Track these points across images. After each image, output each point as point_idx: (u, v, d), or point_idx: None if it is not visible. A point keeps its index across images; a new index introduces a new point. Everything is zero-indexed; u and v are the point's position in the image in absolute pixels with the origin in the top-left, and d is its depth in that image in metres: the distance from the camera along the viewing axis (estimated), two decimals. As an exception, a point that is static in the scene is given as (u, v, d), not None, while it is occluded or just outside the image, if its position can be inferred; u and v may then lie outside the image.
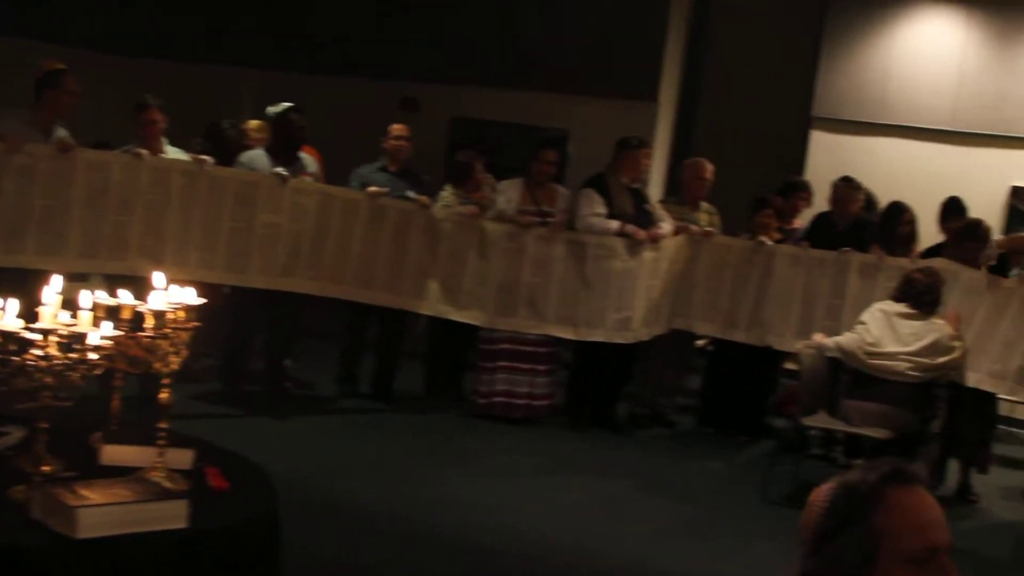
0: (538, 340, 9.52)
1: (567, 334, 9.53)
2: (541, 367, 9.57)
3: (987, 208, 11.15)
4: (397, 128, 9.92)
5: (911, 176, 12.33)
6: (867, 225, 9.91)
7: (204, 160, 8.80)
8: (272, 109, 9.52)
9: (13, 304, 3.74)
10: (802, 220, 10.75)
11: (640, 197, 9.72)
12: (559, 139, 13.00)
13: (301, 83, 13.92)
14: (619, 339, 9.53)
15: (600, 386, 9.83)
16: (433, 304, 9.41)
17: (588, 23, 13.88)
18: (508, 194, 9.64)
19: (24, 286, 4.20)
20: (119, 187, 8.42)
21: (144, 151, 8.57)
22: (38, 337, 3.68)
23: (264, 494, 4.25)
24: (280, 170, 8.97)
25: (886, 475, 2.36)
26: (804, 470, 8.26)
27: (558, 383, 9.86)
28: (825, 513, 2.39)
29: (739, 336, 9.78)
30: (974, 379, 8.75)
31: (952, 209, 9.75)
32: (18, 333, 3.68)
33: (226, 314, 9.45)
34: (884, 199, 10.13)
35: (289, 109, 9.40)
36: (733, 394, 10.08)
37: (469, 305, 9.39)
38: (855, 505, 2.35)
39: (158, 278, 4.22)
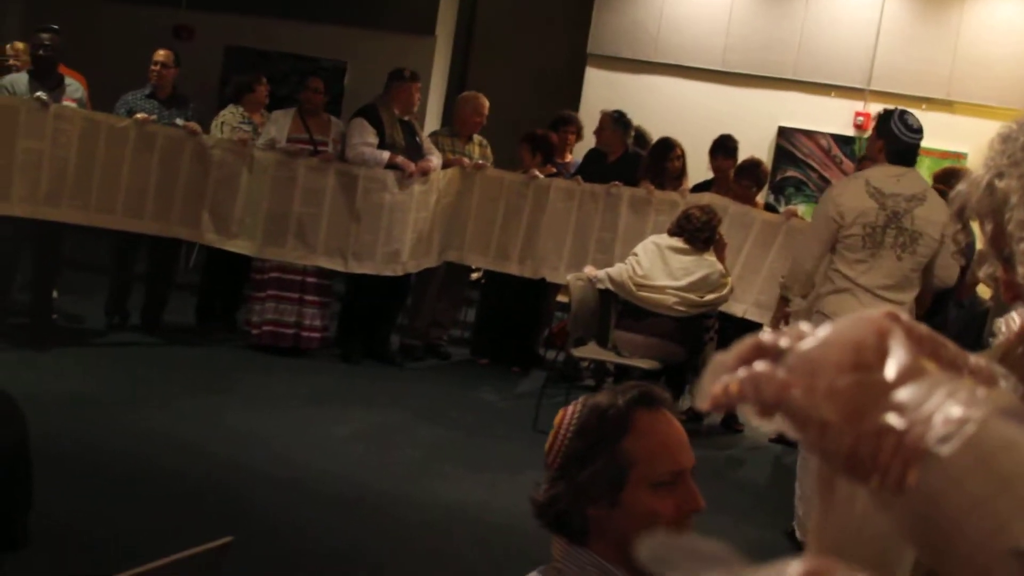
0: (308, 270, 9.44)
1: (336, 266, 9.46)
2: (310, 297, 9.50)
3: (756, 147, 11.38)
4: (161, 54, 9.66)
5: (683, 114, 12.53)
6: (636, 160, 10.05)
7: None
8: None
9: None
10: (575, 155, 10.86)
11: (411, 130, 9.69)
12: (332, 69, 12.91)
13: (70, 5, 13.51)
14: (388, 271, 9.52)
15: (372, 318, 9.81)
16: (203, 233, 9.26)
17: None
18: (280, 123, 9.52)
19: None
20: None
21: None
22: None
23: (13, 424, 4.10)
24: (41, 95, 8.70)
25: (634, 399, 2.38)
26: (574, 400, 8.36)
27: (332, 316, 9.81)
28: (574, 436, 2.40)
29: (512, 268, 9.85)
30: (741, 310, 8.99)
31: (721, 147, 9.94)
32: None
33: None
34: (657, 136, 10.28)
35: (50, 30, 9.10)
36: (506, 326, 10.17)
37: (239, 234, 9.26)
38: (605, 429, 2.36)
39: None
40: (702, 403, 1.02)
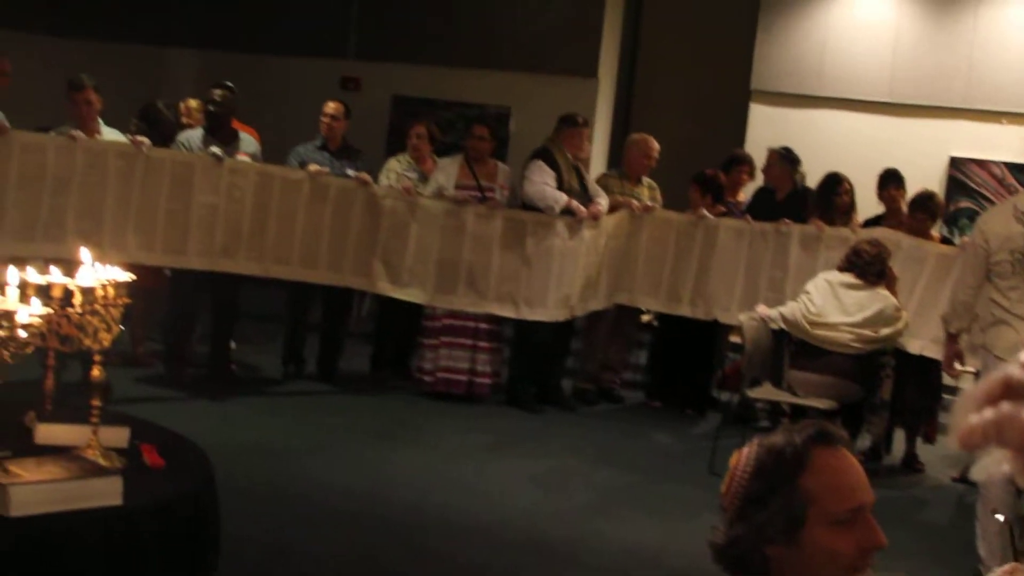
0: (479, 316, 9.48)
1: (508, 312, 9.49)
2: (483, 343, 9.53)
3: (926, 178, 11.18)
4: (331, 107, 9.82)
5: (850, 148, 12.34)
6: (805, 196, 9.94)
7: (141, 142, 8.72)
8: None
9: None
10: (746, 194, 10.78)
11: (578, 173, 9.69)
12: (497, 115, 13.01)
13: (241, 62, 13.83)
14: (559, 316, 9.52)
15: (542, 363, 9.81)
16: (375, 282, 9.35)
17: (527, 0, 13.84)
18: (447, 171, 9.59)
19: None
20: (54, 169, 8.33)
21: (79, 133, 8.49)
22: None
23: (200, 470, 4.21)
24: (216, 150, 8.90)
25: (811, 437, 2.36)
26: (750, 442, 8.26)
27: (503, 361, 9.84)
28: (751, 477, 2.39)
29: (683, 310, 9.78)
30: (918, 346, 8.80)
31: (890, 179, 9.77)
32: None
33: (167, 297, 9.39)
34: (823, 171, 10.14)
35: (222, 87, 9.32)
36: (679, 368, 10.11)
37: (410, 283, 9.33)
38: (782, 468, 2.35)
39: (85, 255, 4.16)
40: (951, 443, 0.99)
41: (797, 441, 2.36)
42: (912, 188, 9.56)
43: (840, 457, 2.36)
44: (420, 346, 9.73)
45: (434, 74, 14.21)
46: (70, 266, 4.19)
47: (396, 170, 9.86)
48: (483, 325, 9.52)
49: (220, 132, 9.20)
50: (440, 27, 14.16)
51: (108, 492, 3.64)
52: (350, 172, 9.38)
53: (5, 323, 3.69)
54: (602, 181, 10.16)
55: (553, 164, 9.44)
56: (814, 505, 2.29)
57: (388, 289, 9.37)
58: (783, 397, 8.47)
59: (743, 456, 2.44)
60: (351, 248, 9.21)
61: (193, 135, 9.26)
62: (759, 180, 10.79)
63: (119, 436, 4.22)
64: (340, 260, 9.21)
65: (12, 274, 3.81)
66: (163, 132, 9.60)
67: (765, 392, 8.51)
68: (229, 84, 9.37)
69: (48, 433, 4.20)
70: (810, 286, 8.53)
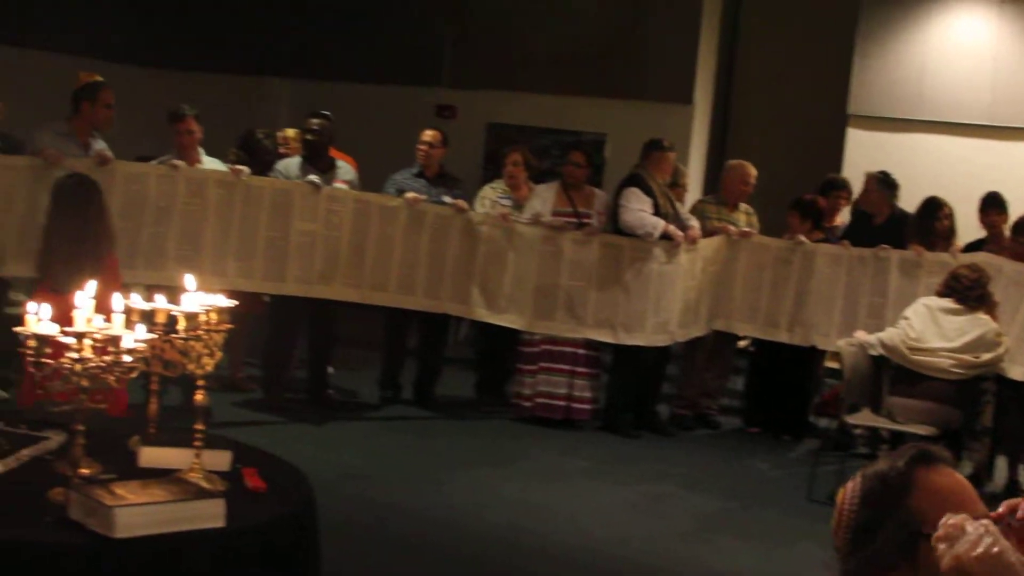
0: (577, 342, 9.47)
1: (606, 337, 9.48)
2: (580, 369, 9.53)
3: (1028, 202, 11.04)
4: (428, 135, 9.89)
5: (949, 171, 12.22)
6: (904, 221, 9.85)
7: (240, 170, 8.83)
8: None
9: (47, 309, 3.76)
10: (843, 218, 10.71)
11: (670, 198, 9.67)
12: (592, 141, 13.03)
13: (337, 91, 14.00)
14: (658, 342, 9.51)
15: (639, 388, 9.78)
16: (473, 308, 9.39)
17: (621, 26, 13.87)
18: (544, 197, 9.62)
19: (64, 295, 4.22)
20: (156, 198, 8.46)
21: (180, 162, 8.63)
22: (73, 341, 3.69)
23: (301, 493, 4.25)
24: (313, 178, 8.99)
25: (913, 458, 2.37)
26: (849, 469, 8.17)
27: (600, 386, 9.82)
28: (860, 507, 2.39)
29: (782, 336, 9.72)
30: (1019, 372, 8.65)
31: (992, 203, 9.66)
32: (54, 337, 3.70)
33: (266, 323, 9.49)
34: (922, 195, 10.04)
35: (320, 115, 9.42)
36: (776, 394, 10.03)
37: (508, 309, 9.36)
38: (890, 493, 2.34)
39: (189, 281, 4.23)
40: None
41: (900, 464, 2.36)
42: (1015, 212, 9.43)
43: (946, 474, 2.36)
44: (518, 371, 9.74)
45: (529, 101, 14.28)
46: (174, 293, 4.27)
47: (491, 197, 9.91)
48: (581, 351, 9.51)
49: (318, 160, 9.30)
50: (535, 54, 14.21)
51: (211, 514, 3.69)
52: (447, 199, 9.43)
53: (111, 348, 3.76)
54: (699, 207, 10.16)
55: (647, 190, 9.43)
56: (927, 523, 2.27)
57: (486, 315, 9.41)
58: (882, 423, 8.38)
59: (848, 490, 2.43)
60: (448, 274, 9.25)
61: (291, 163, 9.36)
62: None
63: (221, 459, 4.27)
64: (437, 286, 9.26)
65: (117, 300, 3.87)
66: (262, 161, 9.74)
67: (864, 418, 8.43)
68: (326, 113, 9.47)
69: (152, 456, 4.26)
70: (909, 311, 8.45)
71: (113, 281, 5.59)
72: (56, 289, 4.00)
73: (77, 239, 6.26)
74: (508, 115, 14.40)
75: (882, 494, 2.35)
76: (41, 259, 6.40)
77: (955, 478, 2.36)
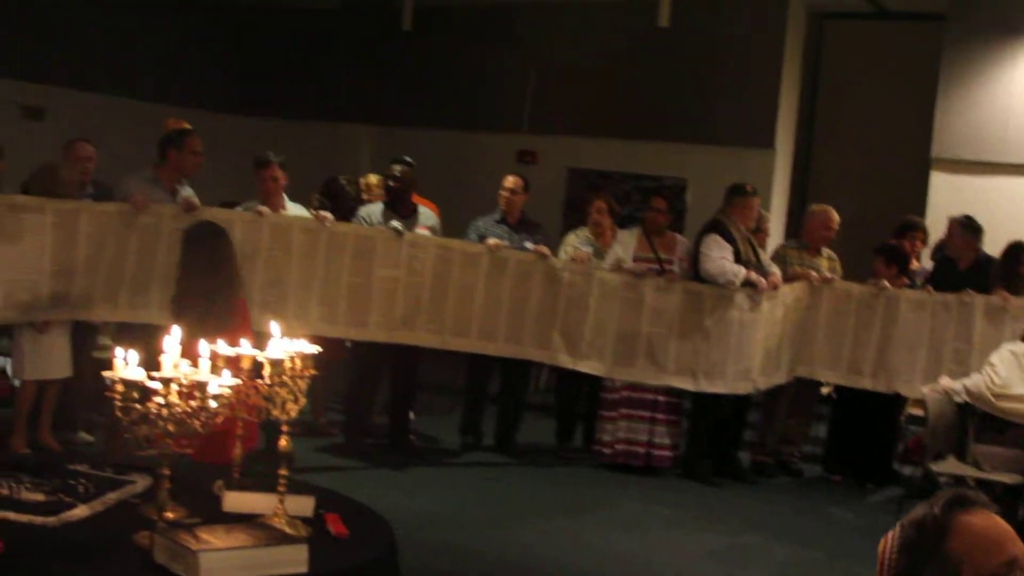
0: (658, 388, 9.45)
1: (687, 385, 9.44)
2: (661, 416, 9.50)
3: (1116, 248, 10.88)
4: (510, 181, 9.94)
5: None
6: (989, 265, 9.75)
7: (324, 216, 8.92)
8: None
9: (134, 355, 3.80)
10: (921, 260, 10.63)
11: (752, 244, 9.62)
12: (673, 187, 13.02)
13: (419, 137, 14.10)
14: (739, 389, 9.45)
15: (720, 435, 9.73)
16: (555, 354, 9.39)
17: (702, 72, 13.87)
18: (625, 243, 9.62)
19: (147, 339, 4.29)
20: (241, 244, 8.51)
21: (265, 209, 8.71)
22: (159, 386, 3.74)
23: (383, 540, 4.26)
24: (396, 224, 9.05)
25: (949, 503, 2.42)
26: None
27: (681, 433, 9.78)
28: (900, 555, 2.45)
29: (865, 383, 9.64)
30: (1109, 420, 8.53)
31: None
32: (140, 382, 3.74)
33: (348, 368, 9.55)
34: (1007, 239, 9.93)
35: (402, 162, 9.49)
36: (859, 441, 9.92)
37: (589, 355, 9.35)
38: (928, 538, 2.40)
39: (274, 328, 4.28)
40: None
41: (936, 510, 2.41)
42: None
43: (983, 516, 2.40)
44: (599, 418, 9.72)
45: (610, 147, 14.31)
46: (259, 338, 4.31)
47: (573, 244, 9.92)
48: (662, 397, 9.48)
49: (400, 206, 9.38)
50: (615, 100, 14.26)
51: (294, 560, 3.71)
52: (528, 245, 9.45)
53: (197, 393, 3.80)
54: (781, 252, 10.09)
55: (728, 237, 9.40)
56: (965, 565, 2.33)
57: (567, 361, 9.40)
58: (968, 471, 8.28)
59: (889, 539, 2.49)
60: (530, 320, 9.27)
61: (373, 209, 9.44)
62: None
63: (304, 505, 4.29)
64: (519, 332, 9.28)
65: (203, 346, 3.92)
66: (344, 207, 9.82)
67: (949, 466, 8.33)
68: (408, 159, 9.54)
69: (236, 501, 4.29)
70: (995, 358, 8.36)
71: (243, 325, 5.66)
72: (189, 334, 4.06)
73: (208, 285, 6.35)
74: (589, 160, 14.44)
75: (920, 541, 2.41)
76: (174, 305, 6.49)
77: (992, 520, 2.41)
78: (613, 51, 14.38)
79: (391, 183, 9.51)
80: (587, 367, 9.40)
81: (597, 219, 9.97)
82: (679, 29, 13.29)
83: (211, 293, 6.26)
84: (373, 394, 9.73)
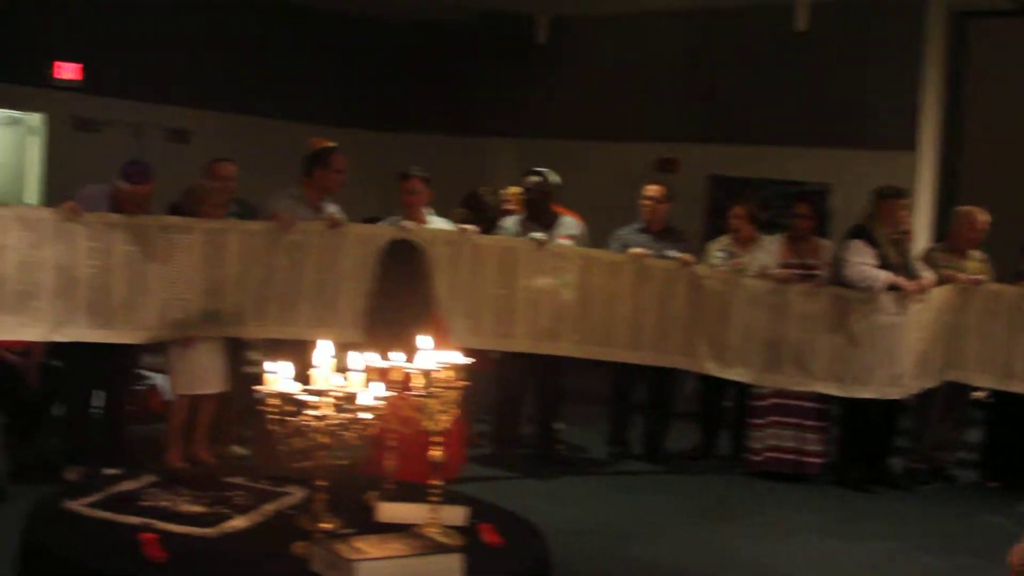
0: (807, 394, 9.35)
1: (835, 391, 9.30)
2: (810, 422, 9.40)
3: None
4: (652, 189, 9.91)
5: None
6: None
7: (467, 229, 8.98)
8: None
9: (288, 367, 3.87)
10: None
11: (901, 248, 9.47)
12: (816, 192, 12.89)
13: (560, 148, 14.11)
14: (890, 394, 9.29)
15: (871, 441, 9.59)
16: (701, 362, 9.33)
17: (842, 75, 13.70)
18: (770, 249, 9.55)
19: (299, 355, 4.36)
20: (385, 258, 8.61)
21: (409, 222, 8.78)
22: (313, 399, 3.80)
23: (537, 549, 4.28)
24: (538, 235, 9.08)
25: None
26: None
27: (830, 440, 9.66)
28: None
29: (1019, 387, 9.41)
30: None
31: None
32: (294, 395, 3.80)
33: (495, 379, 9.59)
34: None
35: (534, 175, 9.53)
36: (1017, 446, 9.72)
37: (735, 362, 9.28)
38: None
39: (424, 340, 4.31)
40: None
41: None
42: None
43: None
44: (748, 425, 9.65)
45: (751, 153, 14.21)
46: (409, 350, 4.35)
47: (715, 253, 9.86)
48: (810, 403, 9.39)
49: (539, 217, 9.41)
50: (756, 106, 14.16)
51: (449, 569, 3.74)
52: (673, 253, 9.42)
53: (349, 406, 3.85)
54: (928, 255, 9.92)
55: (872, 241, 9.27)
56: None
57: (714, 369, 9.35)
58: None
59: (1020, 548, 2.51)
60: (675, 329, 9.23)
61: (514, 221, 9.49)
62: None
63: (458, 515, 4.33)
64: (664, 341, 9.24)
65: (355, 359, 3.97)
66: (486, 219, 9.87)
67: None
68: (540, 170, 9.55)
69: (390, 511, 4.34)
70: None
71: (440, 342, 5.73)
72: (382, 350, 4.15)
73: (405, 301, 6.44)
74: (730, 167, 14.35)
75: None
76: (367, 320, 6.57)
77: None
78: (750, 56, 14.30)
79: (530, 195, 9.56)
80: (734, 374, 9.34)
81: (736, 225, 9.90)
82: (817, 32, 13.19)
83: (407, 309, 6.34)
84: (520, 404, 9.76)
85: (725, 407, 10.13)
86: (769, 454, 9.43)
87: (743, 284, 9.29)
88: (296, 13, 15.49)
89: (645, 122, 14.98)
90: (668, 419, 10.08)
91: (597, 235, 9.83)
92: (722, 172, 14.41)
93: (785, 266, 9.43)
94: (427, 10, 15.46)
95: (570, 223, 9.58)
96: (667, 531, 8.01)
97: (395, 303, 6.43)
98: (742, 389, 9.66)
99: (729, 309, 9.25)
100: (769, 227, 10.32)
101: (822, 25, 13.14)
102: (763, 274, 9.36)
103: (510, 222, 9.54)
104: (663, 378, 9.86)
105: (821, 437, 9.50)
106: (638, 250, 9.32)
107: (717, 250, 9.85)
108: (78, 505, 4.35)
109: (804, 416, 9.40)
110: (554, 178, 9.54)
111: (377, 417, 3.96)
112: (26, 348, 8.67)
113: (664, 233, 9.80)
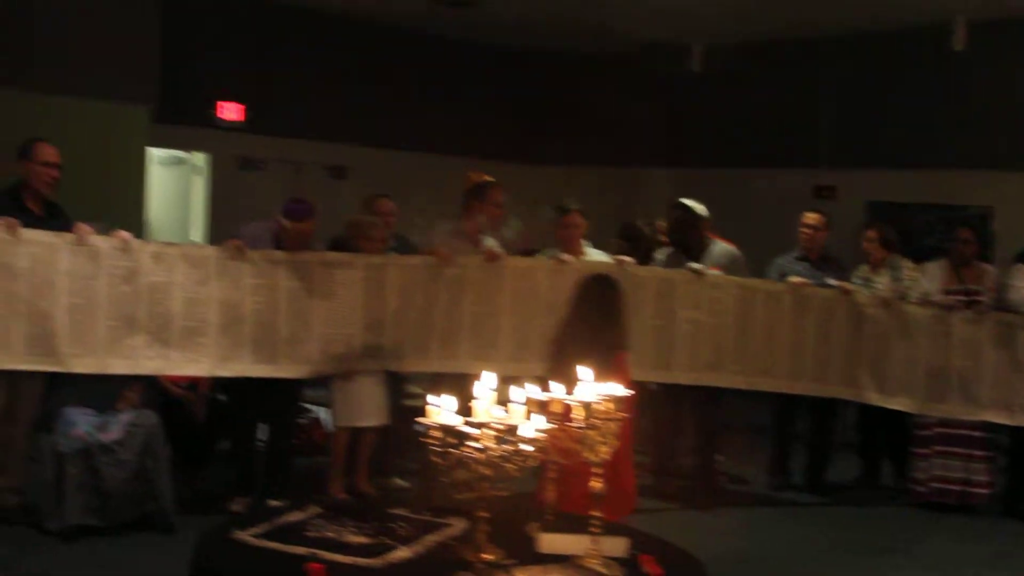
0: (973, 423, 9.17)
1: (1002, 419, 9.11)
2: (977, 452, 9.21)
3: None
4: (811, 217, 9.85)
5: None
6: None
7: (624, 260, 8.98)
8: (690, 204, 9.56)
9: (451, 401, 3.92)
10: None
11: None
12: (977, 215, 12.66)
13: (715, 177, 14.08)
14: (1060, 423, 9.09)
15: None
16: (863, 391, 9.21)
17: (1001, 95, 13.45)
18: (932, 276, 9.41)
19: (459, 388, 4.41)
20: (545, 292, 8.65)
21: (567, 256, 8.81)
22: (475, 431, 3.84)
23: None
24: (694, 265, 9.05)
25: None
26: None
27: (998, 470, 9.47)
28: None
29: None
30: None
31: None
32: (457, 427, 3.85)
33: (651, 411, 9.56)
34: None
35: (676, 208, 9.50)
36: None
37: (898, 391, 9.15)
38: None
39: (585, 372, 4.34)
40: None
41: None
42: None
43: None
44: (912, 455, 9.49)
45: (909, 177, 14.03)
46: (570, 382, 4.38)
47: (852, 281, 9.71)
48: (976, 432, 9.20)
49: (687, 248, 9.35)
50: (911, 128, 13.97)
51: (611, 600, 3.75)
52: (831, 281, 9.33)
53: (510, 438, 3.89)
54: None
55: (1040, 265, 9.10)
56: None
57: (876, 399, 9.22)
58: None
59: None
60: (836, 358, 9.14)
61: (665, 253, 9.49)
62: None
63: (619, 546, 4.34)
64: (825, 371, 9.15)
65: (516, 392, 4.01)
66: (643, 250, 9.86)
67: None
68: (683, 201, 9.47)
69: (551, 542, 4.37)
70: None
71: (621, 380, 5.74)
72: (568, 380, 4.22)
73: (595, 335, 6.48)
74: (888, 192, 14.17)
75: None
76: (554, 348, 6.64)
77: None
78: (907, 78, 14.11)
79: (669, 228, 9.61)
80: (897, 404, 9.20)
81: (868, 248, 9.79)
82: (974, 52, 12.96)
83: (597, 342, 6.38)
84: (678, 435, 9.72)
85: (887, 437, 9.98)
86: (935, 484, 9.26)
87: (905, 312, 9.16)
88: (451, 48, 15.68)
89: (801, 149, 14.86)
90: (829, 450, 9.95)
91: (756, 263, 9.77)
92: (880, 198, 14.22)
93: (948, 292, 9.29)
94: (583, 41, 15.53)
95: (720, 252, 9.50)
96: (829, 564, 7.92)
97: (585, 336, 6.46)
98: (904, 418, 9.49)
99: (891, 338, 9.12)
100: (931, 253, 10.17)
101: (981, 44, 12.92)
102: (925, 301, 9.22)
103: (662, 254, 9.53)
104: (824, 408, 9.73)
105: (988, 467, 9.31)
106: (797, 279, 9.25)
107: (855, 278, 9.71)
108: (246, 535, 4.45)
109: (970, 445, 9.22)
110: (700, 208, 9.47)
111: (538, 449, 3.99)
112: (193, 382, 8.85)
113: (822, 261, 9.72)
